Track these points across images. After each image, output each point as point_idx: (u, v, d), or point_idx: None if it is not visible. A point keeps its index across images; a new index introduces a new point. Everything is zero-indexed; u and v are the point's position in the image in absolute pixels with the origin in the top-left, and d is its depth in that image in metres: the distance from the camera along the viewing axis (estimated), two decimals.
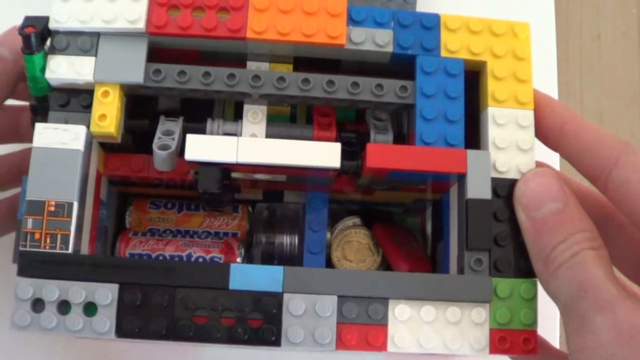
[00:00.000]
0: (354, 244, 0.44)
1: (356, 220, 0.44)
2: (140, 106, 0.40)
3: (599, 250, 0.34)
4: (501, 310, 0.36)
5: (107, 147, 0.39)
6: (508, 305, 0.36)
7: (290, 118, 0.41)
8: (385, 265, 0.43)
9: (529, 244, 0.36)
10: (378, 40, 0.38)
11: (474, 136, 0.39)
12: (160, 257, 0.42)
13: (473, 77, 0.39)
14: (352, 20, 0.38)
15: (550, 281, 0.35)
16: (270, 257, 0.43)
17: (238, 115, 0.41)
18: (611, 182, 0.35)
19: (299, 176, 0.38)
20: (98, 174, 0.39)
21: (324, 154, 0.36)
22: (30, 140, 0.45)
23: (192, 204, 0.44)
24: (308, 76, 0.37)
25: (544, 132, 0.38)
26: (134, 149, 0.40)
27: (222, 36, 0.37)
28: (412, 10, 0.53)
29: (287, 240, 0.43)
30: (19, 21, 0.53)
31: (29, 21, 0.37)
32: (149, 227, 0.43)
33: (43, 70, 0.37)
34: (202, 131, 0.39)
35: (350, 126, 0.41)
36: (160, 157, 0.37)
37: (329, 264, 0.43)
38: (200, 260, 0.42)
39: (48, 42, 0.37)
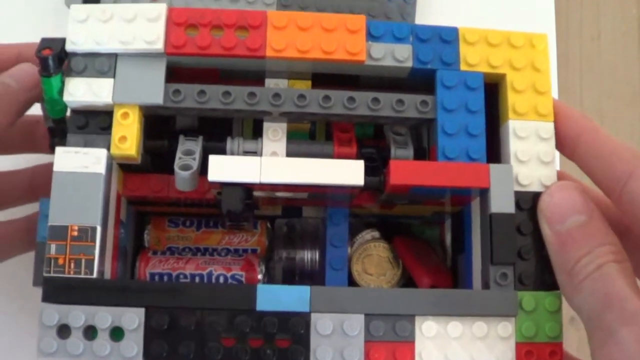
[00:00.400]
0: (374, 258, 0.44)
1: (375, 233, 0.44)
2: (158, 126, 0.40)
3: (623, 263, 0.34)
4: (527, 323, 0.36)
5: (126, 167, 0.39)
6: (533, 318, 0.36)
7: (309, 134, 0.41)
8: (406, 277, 0.43)
9: (553, 257, 0.36)
10: (398, 55, 0.38)
11: (492, 148, 0.39)
12: (181, 276, 0.41)
13: (490, 89, 0.39)
14: (371, 36, 0.38)
15: (575, 294, 0.35)
16: (291, 273, 0.43)
17: (257, 132, 0.40)
18: (625, 195, 0.35)
19: (320, 193, 0.38)
20: (118, 195, 0.39)
21: (348, 172, 0.36)
22: (45, 151, 0.45)
23: (211, 221, 0.43)
24: (328, 93, 0.37)
25: (560, 141, 0.38)
26: (151, 168, 0.40)
27: (241, 55, 0.37)
28: (412, 9, 0.53)
29: (307, 255, 0.43)
30: (18, 23, 0.53)
31: (46, 43, 0.37)
32: (168, 245, 0.43)
33: (61, 92, 0.37)
34: (223, 150, 0.39)
35: (368, 141, 0.41)
36: (182, 178, 0.37)
37: (349, 278, 0.43)
38: (222, 278, 0.41)
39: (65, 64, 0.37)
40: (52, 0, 0.54)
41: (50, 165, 0.36)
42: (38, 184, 0.45)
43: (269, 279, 0.43)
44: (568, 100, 0.61)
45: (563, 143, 0.38)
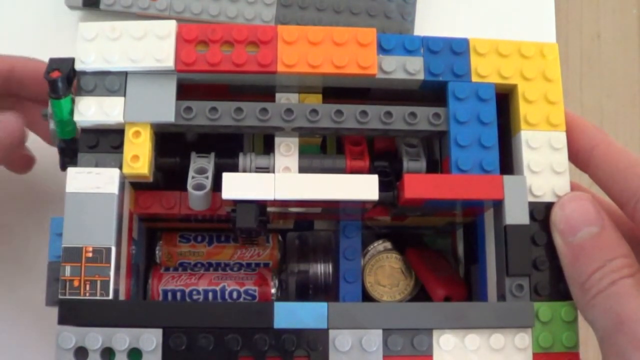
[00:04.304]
0: (386, 269, 0.44)
1: (387, 244, 0.44)
2: (169, 142, 0.39)
3: (637, 276, 0.34)
4: (544, 334, 0.36)
5: (137, 184, 0.39)
6: (550, 328, 0.36)
7: (320, 146, 0.41)
8: (419, 287, 0.43)
9: (566, 269, 0.36)
10: (409, 68, 0.38)
11: (503, 158, 0.39)
12: (194, 292, 0.41)
13: (499, 100, 0.39)
14: (382, 49, 0.38)
15: (587, 309, 0.35)
16: (304, 287, 0.43)
17: (267, 147, 0.40)
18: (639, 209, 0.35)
19: (334, 208, 0.38)
20: (130, 213, 0.38)
21: (362, 187, 0.36)
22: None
23: (222, 235, 0.43)
24: (341, 107, 0.37)
25: (573, 153, 0.38)
26: (162, 185, 0.40)
27: (252, 71, 0.37)
28: (411, 9, 0.53)
29: (320, 269, 0.43)
30: (19, 23, 0.53)
31: (54, 64, 0.36)
32: (180, 261, 0.43)
33: (71, 113, 0.36)
34: (235, 166, 0.38)
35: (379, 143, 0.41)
36: (196, 197, 0.36)
37: (362, 289, 0.42)
38: (235, 293, 0.41)
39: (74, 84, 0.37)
40: (52, 0, 0.53)
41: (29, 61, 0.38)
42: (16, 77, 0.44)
43: (282, 292, 0.43)
44: (568, 101, 0.61)
45: (577, 156, 0.38)
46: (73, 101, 0.36)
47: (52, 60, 0.36)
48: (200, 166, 0.38)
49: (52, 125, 0.37)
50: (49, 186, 0.49)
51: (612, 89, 0.62)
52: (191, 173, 0.37)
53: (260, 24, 0.51)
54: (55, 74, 0.36)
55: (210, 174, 0.37)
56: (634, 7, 0.64)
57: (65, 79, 0.36)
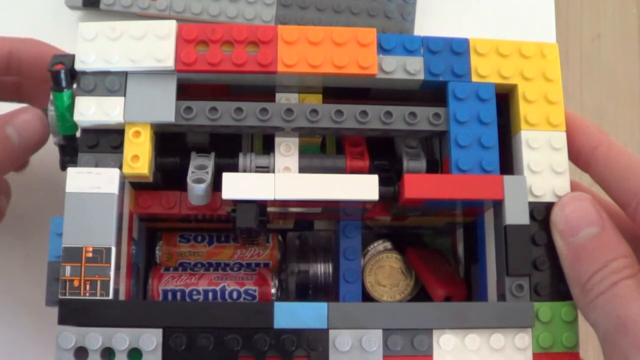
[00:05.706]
0: (386, 269, 0.44)
1: (387, 244, 0.44)
2: (169, 142, 0.39)
3: (637, 277, 0.34)
4: (544, 334, 0.36)
5: (137, 184, 0.39)
6: (550, 329, 0.36)
7: (320, 146, 0.41)
8: (419, 287, 0.43)
9: (567, 270, 0.36)
10: (409, 68, 0.38)
11: (503, 158, 0.39)
12: (194, 292, 0.41)
13: (499, 100, 0.39)
14: (382, 49, 0.38)
15: (589, 310, 0.35)
16: (304, 287, 0.43)
17: (267, 147, 0.40)
18: None
19: (334, 208, 0.38)
20: (130, 213, 0.38)
21: (362, 187, 0.36)
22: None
23: (222, 235, 0.43)
24: (341, 108, 0.37)
25: (574, 154, 0.38)
26: (162, 185, 0.40)
27: (252, 71, 0.37)
28: (412, 9, 0.53)
29: (320, 269, 0.43)
30: (18, 23, 0.53)
31: (57, 59, 0.37)
32: (180, 261, 0.43)
33: (70, 109, 0.36)
34: (235, 166, 0.38)
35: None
36: (196, 191, 0.36)
37: (362, 289, 0.42)
38: (235, 293, 0.41)
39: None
40: (52, 0, 0.53)
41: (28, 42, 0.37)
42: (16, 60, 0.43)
43: (282, 292, 0.43)
44: (568, 101, 0.61)
45: (578, 156, 0.38)
46: (73, 97, 0.36)
47: (55, 56, 0.37)
48: (200, 163, 0.38)
49: (52, 112, 0.37)
50: (49, 186, 0.49)
51: (612, 89, 0.62)
52: (191, 169, 0.37)
53: (260, 24, 0.51)
54: (58, 67, 0.36)
55: (210, 169, 0.37)
56: (634, 7, 0.64)
57: (68, 72, 0.36)
